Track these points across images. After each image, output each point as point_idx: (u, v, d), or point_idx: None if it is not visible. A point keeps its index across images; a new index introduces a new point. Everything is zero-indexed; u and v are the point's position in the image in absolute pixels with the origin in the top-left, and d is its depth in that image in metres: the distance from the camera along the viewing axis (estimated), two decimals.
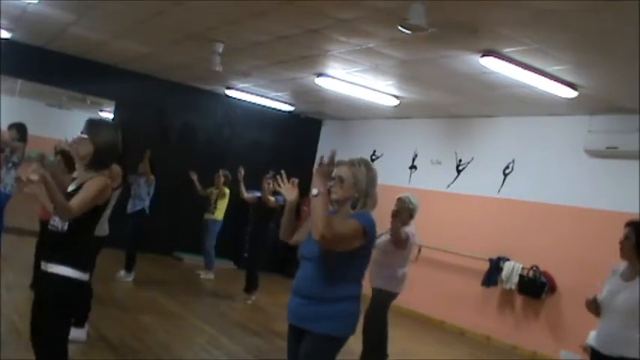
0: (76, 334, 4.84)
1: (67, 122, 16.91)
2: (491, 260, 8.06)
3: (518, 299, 7.84)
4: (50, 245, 3.13)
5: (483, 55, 5.82)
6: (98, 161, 3.15)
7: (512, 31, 5.14)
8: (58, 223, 3.06)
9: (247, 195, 8.54)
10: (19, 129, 7.78)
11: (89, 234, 3.19)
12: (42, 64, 9.82)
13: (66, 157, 6.30)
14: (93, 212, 3.11)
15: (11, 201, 8.08)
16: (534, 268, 7.54)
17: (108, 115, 13.64)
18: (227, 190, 9.35)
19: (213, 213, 9.35)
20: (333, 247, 2.75)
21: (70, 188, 3.15)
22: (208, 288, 8.81)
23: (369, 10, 5.23)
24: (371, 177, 2.93)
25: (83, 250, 3.14)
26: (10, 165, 7.77)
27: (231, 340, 6.00)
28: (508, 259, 7.92)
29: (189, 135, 11.01)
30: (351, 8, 5.28)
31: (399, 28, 4.70)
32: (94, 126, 3.18)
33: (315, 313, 2.82)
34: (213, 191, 9.35)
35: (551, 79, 6.20)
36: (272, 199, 7.94)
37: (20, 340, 4.78)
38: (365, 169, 2.93)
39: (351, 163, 2.94)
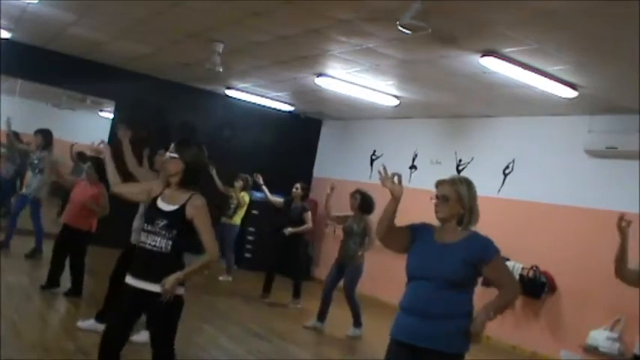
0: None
1: (67, 122, 16.94)
2: None
3: (519, 299, 7.82)
4: (153, 265, 3.29)
5: (483, 55, 5.82)
6: (187, 180, 3.36)
7: (512, 31, 5.14)
8: (161, 244, 3.27)
9: (274, 199, 8.59)
10: (45, 136, 7.87)
11: (184, 251, 3.42)
12: (42, 64, 9.82)
13: (96, 164, 6.37)
14: (194, 233, 3.32)
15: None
16: (534, 268, 7.53)
17: (108, 115, 13.64)
18: (247, 197, 9.34)
19: (231, 218, 9.33)
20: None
21: (167, 208, 3.32)
22: (209, 288, 8.80)
23: (369, 10, 5.23)
24: (472, 193, 3.04)
25: (183, 266, 3.36)
26: (36, 171, 7.89)
27: (232, 340, 6.00)
28: (508, 259, 7.88)
29: (189, 135, 11.00)
30: (351, 8, 5.27)
31: (399, 28, 4.70)
32: (182, 145, 3.41)
33: (438, 331, 2.86)
34: (232, 194, 9.30)
35: (551, 79, 6.19)
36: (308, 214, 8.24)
37: (20, 341, 4.79)
38: (467, 186, 3.03)
39: (453, 182, 3.05)
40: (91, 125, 16.44)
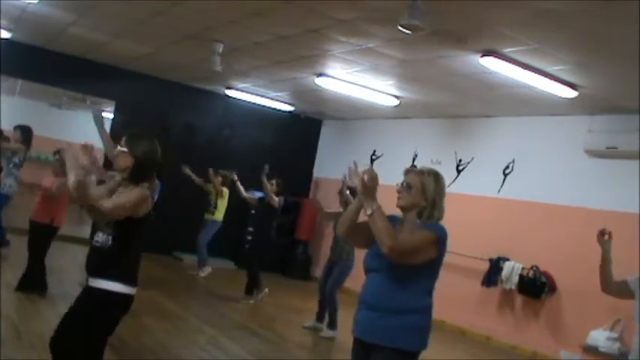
0: None
1: (67, 122, 16.98)
2: (491, 260, 8.06)
3: (518, 299, 7.83)
4: (95, 261, 3.13)
5: (483, 55, 5.83)
6: (137, 174, 3.13)
7: (512, 31, 5.14)
8: (102, 238, 3.08)
9: (247, 195, 8.64)
10: (24, 131, 7.81)
11: (134, 248, 3.18)
12: (42, 64, 9.82)
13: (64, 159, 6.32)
14: (135, 226, 3.10)
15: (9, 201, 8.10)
16: (534, 268, 7.53)
17: (108, 115, 13.62)
18: (226, 190, 9.35)
19: (212, 214, 9.36)
20: (405, 258, 2.71)
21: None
22: (208, 288, 8.81)
23: (369, 10, 5.23)
24: (439, 188, 2.86)
25: (129, 264, 3.16)
26: (11, 166, 7.79)
27: (231, 340, 6.00)
28: (508, 259, 7.91)
29: (189, 135, 11.01)
30: (351, 8, 5.28)
31: (399, 28, 4.70)
32: (133, 139, 3.16)
33: (386, 326, 2.73)
34: (210, 189, 9.35)
35: (551, 79, 6.20)
36: (275, 198, 8.01)
37: (20, 340, 4.79)
38: (433, 179, 2.86)
39: (420, 172, 2.89)
40: (91, 125, 16.48)
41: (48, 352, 4.64)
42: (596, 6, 4.31)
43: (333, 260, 6.94)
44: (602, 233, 3.78)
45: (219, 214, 9.39)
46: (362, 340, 2.82)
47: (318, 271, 11.25)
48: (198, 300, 7.86)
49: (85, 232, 10.60)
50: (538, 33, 5.11)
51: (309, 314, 7.36)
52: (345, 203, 6.84)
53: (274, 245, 8.58)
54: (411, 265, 2.73)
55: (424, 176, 2.87)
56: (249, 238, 10.81)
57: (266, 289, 8.16)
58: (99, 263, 3.10)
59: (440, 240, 2.77)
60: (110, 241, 3.06)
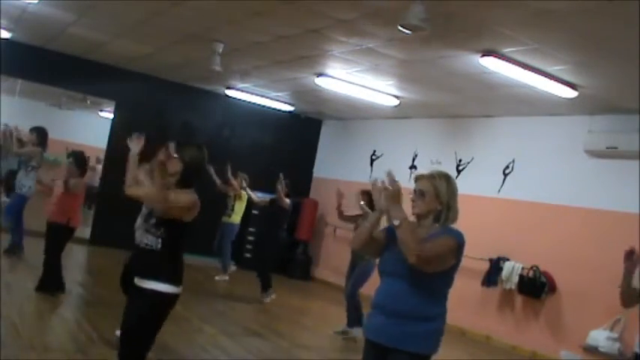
0: None
1: (68, 122, 16.97)
2: (491, 260, 8.06)
3: (518, 299, 7.83)
4: (145, 262, 3.34)
5: (483, 55, 5.83)
6: (186, 179, 3.38)
7: (512, 31, 5.14)
8: (151, 241, 3.30)
9: (257, 199, 8.67)
10: (40, 134, 7.88)
11: (181, 251, 3.40)
12: (42, 64, 9.83)
13: (77, 158, 6.33)
14: (183, 229, 3.34)
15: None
16: (534, 268, 7.53)
17: (108, 115, 13.62)
18: (244, 193, 9.37)
19: (230, 216, 9.38)
20: (430, 266, 2.72)
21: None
22: (209, 288, 8.81)
23: (369, 10, 5.23)
24: (452, 189, 2.90)
25: (177, 266, 3.37)
26: (29, 168, 7.89)
27: (232, 340, 6.00)
28: (508, 259, 7.91)
29: (189, 135, 11.00)
30: (351, 8, 5.28)
31: (399, 28, 4.70)
32: (182, 146, 3.45)
33: (406, 331, 2.74)
34: (230, 192, 9.34)
35: (551, 79, 6.20)
36: (287, 200, 8.04)
37: (20, 341, 4.79)
38: (445, 182, 2.89)
39: (431, 176, 2.90)
40: (91, 125, 16.50)
41: (48, 353, 4.66)
42: (596, 6, 4.31)
43: (355, 263, 6.92)
44: (630, 253, 3.48)
45: (237, 217, 9.43)
46: (377, 343, 2.81)
47: (318, 271, 11.27)
48: (199, 300, 7.85)
49: (86, 232, 10.62)
50: (538, 33, 5.11)
51: (309, 314, 7.36)
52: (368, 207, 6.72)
53: (281, 246, 8.61)
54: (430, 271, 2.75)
55: (436, 180, 2.89)
56: (253, 238, 10.86)
57: (273, 295, 8.21)
58: (149, 265, 3.31)
59: (459, 247, 2.81)
60: (160, 244, 3.28)
